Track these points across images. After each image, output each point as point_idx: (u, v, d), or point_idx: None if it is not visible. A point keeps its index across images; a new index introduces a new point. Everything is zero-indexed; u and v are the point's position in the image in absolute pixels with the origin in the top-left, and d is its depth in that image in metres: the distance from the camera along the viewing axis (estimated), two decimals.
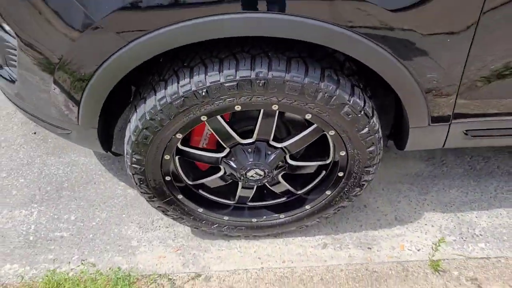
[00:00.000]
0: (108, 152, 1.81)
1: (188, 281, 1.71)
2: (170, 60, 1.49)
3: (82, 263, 1.82)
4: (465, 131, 1.65)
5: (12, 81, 1.63)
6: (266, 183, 1.78)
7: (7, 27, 1.48)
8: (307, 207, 1.85)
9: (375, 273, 1.68)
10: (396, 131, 1.80)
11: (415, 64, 1.41)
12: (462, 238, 1.96)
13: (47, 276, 1.72)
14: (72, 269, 1.81)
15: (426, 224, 2.02)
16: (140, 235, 1.98)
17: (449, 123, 1.60)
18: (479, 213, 2.06)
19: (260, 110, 1.51)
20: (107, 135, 1.77)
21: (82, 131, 1.63)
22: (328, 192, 1.79)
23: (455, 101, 1.54)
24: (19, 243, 1.94)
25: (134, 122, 1.51)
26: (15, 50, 1.51)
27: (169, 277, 1.74)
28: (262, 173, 1.66)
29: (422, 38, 1.35)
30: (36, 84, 1.55)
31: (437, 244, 1.73)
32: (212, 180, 1.82)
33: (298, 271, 1.71)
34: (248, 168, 1.65)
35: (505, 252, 1.88)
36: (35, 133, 2.42)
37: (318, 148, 1.76)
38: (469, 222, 2.02)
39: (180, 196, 1.76)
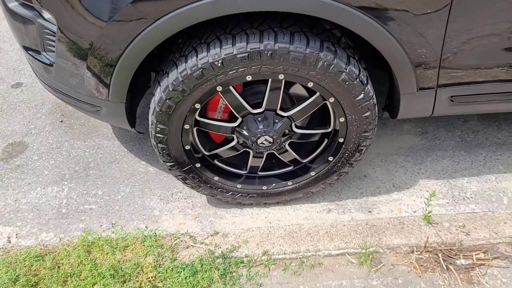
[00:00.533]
0: (133, 129, 2.02)
1: (207, 237, 1.91)
2: (189, 39, 1.71)
3: (112, 226, 2.03)
4: (450, 98, 1.86)
5: (50, 65, 1.86)
6: (274, 151, 2.00)
7: (47, 15, 1.71)
8: (312, 173, 2.06)
9: (374, 226, 1.88)
10: (390, 102, 2.01)
11: (404, 38, 1.63)
12: (454, 200, 2.16)
13: (82, 236, 1.93)
14: (104, 231, 2.02)
15: (421, 190, 2.22)
16: (161, 206, 2.19)
17: (435, 89, 1.81)
18: (469, 179, 2.26)
19: (268, 81, 1.73)
20: (132, 113, 1.99)
21: (112, 107, 1.85)
22: (330, 159, 2.00)
23: (439, 70, 1.75)
24: (53, 215, 2.16)
25: (158, 94, 1.73)
26: (54, 36, 1.74)
27: (190, 235, 1.95)
28: (271, 139, 1.87)
29: (411, 16, 1.56)
30: (71, 66, 1.78)
31: (429, 199, 1.93)
32: (226, 151, 2.03)
33: (305, 227, 1.91)
34: (258, 135, 1.86)
35: (493, 210, 2.07)
36: (61, 121, 2.64)
37: (320, 118, 1.97)
38: (460, 187, 2.22)
39: (198, 165, 1.97)
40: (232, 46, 1.59)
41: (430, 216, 1.87)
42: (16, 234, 2.05)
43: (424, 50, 1.68)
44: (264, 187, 2.09)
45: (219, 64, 1.60)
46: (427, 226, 1.86)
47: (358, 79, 1.70)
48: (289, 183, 2.09)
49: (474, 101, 1.89)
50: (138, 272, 1.74)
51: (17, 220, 2.12)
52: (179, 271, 1.73)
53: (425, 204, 1.93)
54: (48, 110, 2.72)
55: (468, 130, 2.53)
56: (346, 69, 1.67)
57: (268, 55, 1.59)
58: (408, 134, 2.52)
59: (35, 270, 1.76)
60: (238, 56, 1.59)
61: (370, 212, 2.13)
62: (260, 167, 2.08)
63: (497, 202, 2.14)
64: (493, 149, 2.41)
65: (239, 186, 2.07)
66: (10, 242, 2.01)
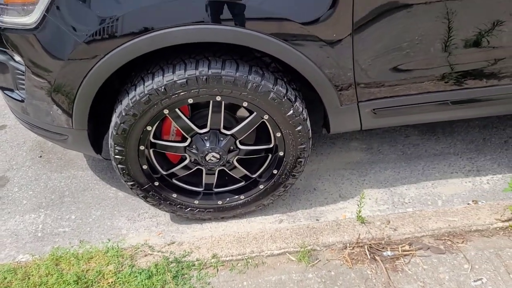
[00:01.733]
0: (98, 155, 2.27)
1: (164, 246, 2.12)
2: (139, 71, 2.00)
3: (80, 242, 2.24)
4: (373, 111, 2.12)
5: (22, 101, 2.13)
6: (225, 168, 2.24)
7: (18, 58, 2.00)
8: (261, 186, 2.28)
9: (314, 228, 2.09)
10: (325, 119, 2.27)
11: (323, 62, 1.90)
12: (394, 206, 2.38)
13: (52, 251, 2.13)
14: (72, 247, 2.22)
15: (364, 198, 2.43)
16: (128, 225, 2.40)
17: (357, 103, 2.07)
18: (408, 186, 2.48)
19: (209, 103, 2.00)
20: (98, 141, 2.25)
21: (76, 135, 2.11)
22: (275, 171, 2.23)
23: (355, 86, 2.02)
24: (29, 239, 2.37)
25: (114, 119, 1.99)
26: (23, 75, 2.02)
27: (149, 245, 2.15)
28: (218, 156, 2.12)
29: (322, 43, 1.85)
30: (39, 101, 2.05)
31: (360, 200, 2.14)
32: (182, 169, 2.27)
33: (252, 233, 2.12)
34: (206, 152, 2.11)
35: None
36: (41, 156, 2.90)
37: (263, 136, 2.22)
38: (400, 193, 2.44)
39: (156, 183, 2.21)
40: (173, 73, 1.87)
41: (363, 217, 2.09)
42: None
43: (340, 71, 1.95)
44: (220, 202, 2.31)
45: (162, 90, 1.88)
46: (360, 226, 2.07)
47: (286, 97, 1.97)
48: (242, 197, 2.31)
49: (394, 114, 2.15)
50: (100, 279, 1.94)
51: None
52: (136, 276, 1.92)
53: (358, 206, 2.15)
54: (29, 147, 2.98)
55: (409, 144, 2.77)
56: (273, 89, 1.94)
57: (204, 79, 1.86)
58: (355, 151, 2.77)
59: (7, 282, 1.96)
60: (178, 82, 1.86)
61: (317, 220, 2.34)
62: (214, 184, 2.31)
63: (433, 205, 2.35)
64: (431, 159, 2.65)
65: (196, 202, 2.30)
66: None
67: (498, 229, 1.99)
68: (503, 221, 2.01)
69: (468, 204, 2.32)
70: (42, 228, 2.43)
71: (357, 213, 2.13)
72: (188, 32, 1.77)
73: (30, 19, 1.82)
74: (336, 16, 1.81)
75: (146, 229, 2.38)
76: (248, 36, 1.81)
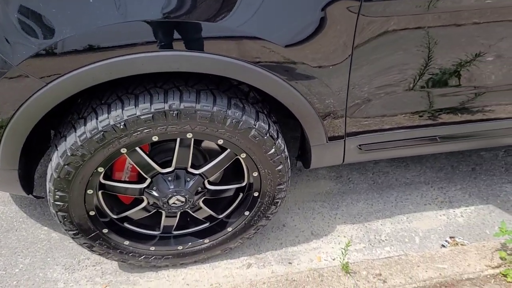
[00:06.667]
0: (30, 195, 1.83)
1: None
2: (88, 99, 1.60)
3: None
4: (358, 146, 1.90)
5: None
6: (188, 210, 1.90)
7: None
8: (229, 229, 1.98)
9: (294, 281, 1.83)
10: (302, 152, 2.02)
11: (310, 92, 1.64)
12: (371, 244, 2.18)
13: None
14: None
15: (339, 236, 2.22)
16: (66, 277, 1.99)
17: (344, 139, 1.84)
18: (383, 221, 2.31)
19: (176, 139, 1.65)
20: (28, 179, 1.81)
21: (3, 175, 1.66)
22: (246, 213, 1.94)
23: (345, 121, 1.78)
24: None
25: (55, 159, 1.58)
26: None
27: None
28: (183, 199, 1.78)
29: (313, 70, 1.58)
30: None
31: (345, 248, 1.93)
32: (136, 212, 1.90)
33: None
34: (169, 196, 1.76)
35: (406, 251, 2.12)
36: None
37: (234, 172, 1.92)
38: (375, 230, 2.26)
39: (105, 230, 1.82)
40: (135, 107, 1.50)
41: (348, 266, 1.86)
42: None
43: (331, 101, 1.70)
44: (180, 247, 1.97)
45: (121, 127, 1.50)
46: (345, 277, 1.85)
47: (268, 134, 1.68)
48: (206, 240, 1.99)
49: (381, 148, 1.95)
50: None
51: None
52: None
53: (342, 254, 1.93)
54: None
55: (379, 172, 2.61)
56: (255, 125, 1.64)
57: (174, 115, 1.52)
58: (324, 179, 2.55)
59: None
60: (142, 117, 1.50)
61: (290, 263, 2.09)
62: (174, 226, 1.97)
63: (410, 242, 2.19)
64: (402, 189, 2.50)
65: (152, 248, 1.94)
66: None
67: (489, 276, 1.86)
68: (493, 268, 1.89)
69: (446, 241, 2.20)
70: None
71: (341, 261, 1.90)
72: (158, 60, 1.41)
73: None
74: (332, 38, 1.54)
75: (89, 280, 1.98)
76: (229, 65, 1.49)
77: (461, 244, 2.15)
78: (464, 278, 1.85)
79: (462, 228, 2.28)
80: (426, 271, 1.87)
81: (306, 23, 1.50)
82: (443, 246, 2.17)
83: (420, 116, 1.87)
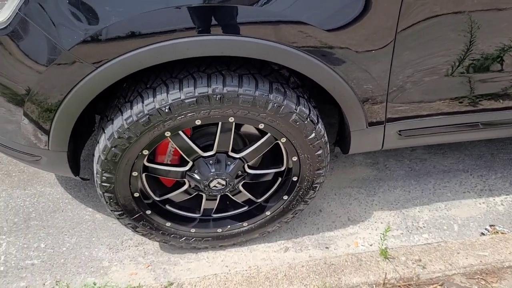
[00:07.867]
0: (77, 177, 1.91)
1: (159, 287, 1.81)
2: (134, 84, 1.64)
3: (56, 284, 1.88)
4: (398, 132, 1.89)
5: None
6: (228, 193, 1.94)
7: None
8: (268, 213, 2.01)
9: (332, 265, 1.85)
10: (341, 137, 2.02)
11: (352, 76, 1.63)
12: (408, 231, 2.18)
13: None
14: (44, 284, 1.86)
15: (376, 222, 2.22)
16: (110, 256, 2.06)
17: (384, 125, 1.83)
18: (421, 208, 2.29)
19: (218, 123, 1.69)
20: (75, 160, 1.88)
21: (53, 156, 1.74)
22: (285, 197, 1.97)
23: (386, 106, 1.77)
24: None
25: (103, 142, 1.64)
26: None
27: (140, 286, 1.84)
28: (224, 182, 1.82)
29: (356, 55, 1.58)
30: (6, 113, 1.66)
31: (384, 233, 1.93)
32: (178, 195, 1.95)
33: (263, 271, 1.85)
34: (210, 179, 1.80)
35: (445, 238, 2.11)
36: None
37: (273, 157, 1.94)
38: (413, 217, 2.25)
39: (148, 212, 1.88)
40: (180, 91, 1.54)
41: (386, 251, 1.87)
42: None
43: (372, 85, 1.69)
44: (219, 230, 2.02)
45: (166, 110, 1.54)
46: (384, 262, 1.85)
47: (308, 119, 1.69)
48: (245, 224, 2.03)
49: (421, 134, 1.93)
50: None
51: None
52: None
53: (381, 239, 1.93)
54: None
55: (416, 159, 2.58)
56: (296, 110, 1.65)
57: (217, 99, 1.55)
58: (360, 166, 2.54)
59: None
60: (186, 101, 1.54)
61: (327, 248, 2.10)
62: (214, 209, 2.01)
63: (449, 230, 2.18)
64: (440, 176, 2.47)
65: (193, 230, 1.99)
66: None
67: None
68: None
69: (485, 229, 2.17)
70: (4, 260, 2.04)
71: (380, 246, 1.91)
72: (203, 45, 1.44)
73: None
74: (376, 22, 1.53)
75: (132, 260, 2.05)
76: (272, 49, 1.50)
77: (502, 233, 2.12)
78: (505, 266, 1.83)
79: (502, 217, 2.24)
80: (467, 258, 1.86)
81: (350, 7, 1.49)
82: (482, 234, 2.15)
83: (460, 102, 1.84)
